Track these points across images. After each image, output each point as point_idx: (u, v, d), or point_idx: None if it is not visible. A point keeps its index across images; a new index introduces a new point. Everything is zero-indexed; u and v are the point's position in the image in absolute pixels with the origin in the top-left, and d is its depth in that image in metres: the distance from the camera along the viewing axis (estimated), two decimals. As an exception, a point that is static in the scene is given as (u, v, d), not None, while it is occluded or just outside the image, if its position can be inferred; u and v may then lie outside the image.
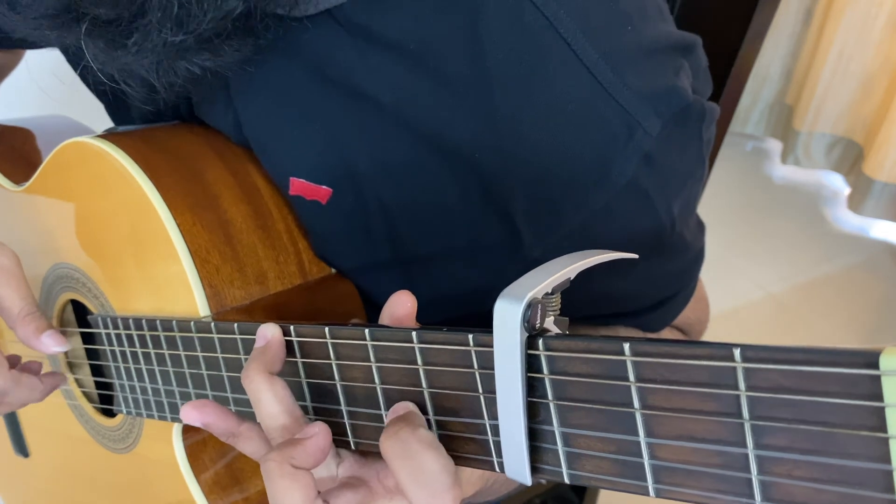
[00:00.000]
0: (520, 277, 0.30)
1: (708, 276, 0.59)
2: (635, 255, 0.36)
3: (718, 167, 0.76)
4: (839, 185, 2.01)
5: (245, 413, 0.43)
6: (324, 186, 0.47)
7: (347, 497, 0.36)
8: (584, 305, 0.48)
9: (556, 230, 0.44)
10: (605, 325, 0.54)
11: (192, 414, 0.39)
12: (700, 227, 0.55)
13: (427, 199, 0.45)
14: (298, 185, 0.48)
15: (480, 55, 0.40)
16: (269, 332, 0.39)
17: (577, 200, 0.43)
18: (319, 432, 0.34)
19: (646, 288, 0.52)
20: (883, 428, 0.22)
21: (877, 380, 0.21)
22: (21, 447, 0.71)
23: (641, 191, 0.44)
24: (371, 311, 0.53)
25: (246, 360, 0.42)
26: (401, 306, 0.36)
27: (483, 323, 0.31)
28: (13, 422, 0.71)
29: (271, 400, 0.36)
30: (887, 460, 0.22)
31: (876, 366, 0.21)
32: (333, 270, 0.53)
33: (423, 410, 0.35)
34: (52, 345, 0.49)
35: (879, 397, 0.21)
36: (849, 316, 1.66)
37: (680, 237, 0.50)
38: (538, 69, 0.40)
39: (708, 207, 0.64)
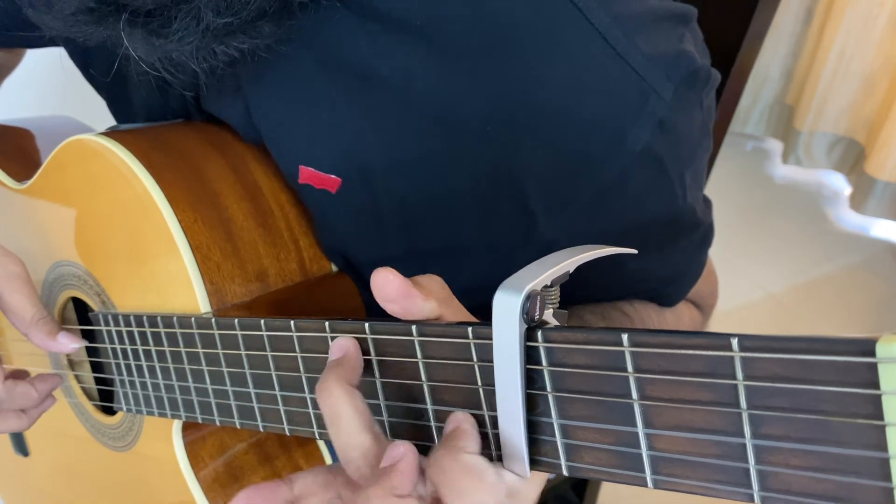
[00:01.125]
0: (519, 270, 0.30)
1: (708, 275, 0.60)
2: (634, 251, 0.36)
3: (718, 167, 0.76)
4: (840, 184, 2.01)
5: (239, 407, 0.43)
6: (333, 175, 0.46)
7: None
8: (598, 284, 0.48)
9: (570, 203, 0.43)
10: (620, 299, 0.54)
11: None
12: (707, 203, 0.56)
13: (438, 185, 0.44)
14: (307, 174, 0.47)
15: (489, 26, 0.40)
16: (345, 344, 0.36)
17: (592, 169, 0.42)
18: (407, 452, 0.31)
19: (659, 264, 0.53)
20: (879, 416, 0.22)
21: (873, 367, 0.21)
22: (21, 446, 0.71)
23: (656, 158, 0.43)
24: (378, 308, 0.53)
25: (246, 355, 0.42)
26: (387, 285, 0.33)
27: (491, 315, 0.31)
28: (14, 420, 0.71)
29: (351, 415, 0.32)
30: (884, 448, 0.22)
31: (872, 354, 0.21)
32: (334, 269, 0.53)
33: (423, 403, 0.35)
34: (68, 343, 0.50)
35: (876, 385, 0.21)
36: (849, 316, 1.66)
37: (691, 210, 0.50)
38: (550, 37, 0.40)
39: (708, 206, 0.64)
